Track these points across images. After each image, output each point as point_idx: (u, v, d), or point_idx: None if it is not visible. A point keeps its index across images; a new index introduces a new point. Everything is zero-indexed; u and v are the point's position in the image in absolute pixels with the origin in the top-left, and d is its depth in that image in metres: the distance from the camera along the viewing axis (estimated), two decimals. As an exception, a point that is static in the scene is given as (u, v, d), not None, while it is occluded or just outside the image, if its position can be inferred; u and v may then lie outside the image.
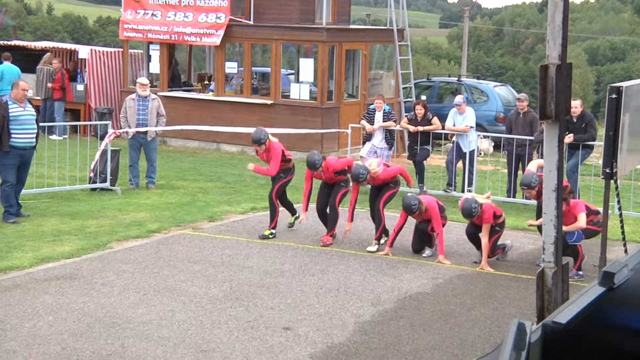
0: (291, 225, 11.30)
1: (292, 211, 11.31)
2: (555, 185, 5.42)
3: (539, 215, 10.11)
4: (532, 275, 8.67)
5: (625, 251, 8.80)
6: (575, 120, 12.84)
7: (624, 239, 8.76)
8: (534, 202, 11.02)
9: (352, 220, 10.58)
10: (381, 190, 10.60)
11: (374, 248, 10.47)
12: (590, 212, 9.59)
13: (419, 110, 14.34)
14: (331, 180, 10.75)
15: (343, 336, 7.41)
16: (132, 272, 9.22)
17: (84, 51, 20.94)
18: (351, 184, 10.73)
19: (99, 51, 21.17)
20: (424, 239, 10.34)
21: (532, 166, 10.43)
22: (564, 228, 9.32)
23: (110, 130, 13.98)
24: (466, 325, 7.84)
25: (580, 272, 9.52)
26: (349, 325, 7.69)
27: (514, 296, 8.82)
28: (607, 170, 8.43)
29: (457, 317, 8.07)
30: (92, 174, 13.52)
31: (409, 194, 10.22)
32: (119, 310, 7.90)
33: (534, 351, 2.87)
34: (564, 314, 3.06)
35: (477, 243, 10.06)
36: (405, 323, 7.82)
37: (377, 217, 10.56)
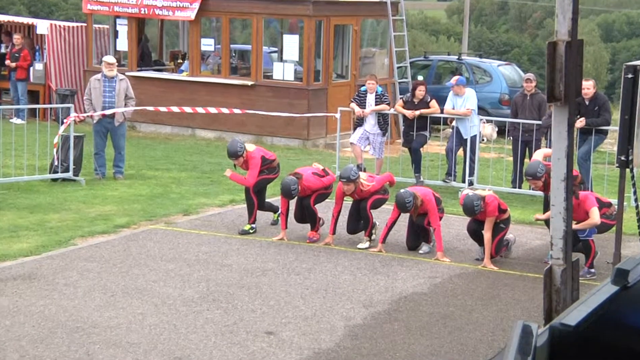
0: (274, 222, 11.34)
1: (274, 209, 11.36)
2: (565, 174, 5.45)
3: (546, 208, 10.17)
4: (539, 273, 8.72)
5: (642, 247, 8.87)
6: (587, 102, 12.89)
7: (640, 233, 8.83)
8: (541, 193, 11.08)
9: (334, 232, 10.60)
10: (367, 198, 10.61)
11: (365, 245, 10.50)
12: (602, 205, 9.65)
13: (420, 92, 14.30)
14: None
15: (332, 341, 7.44)
16: (98, 271, 9.22)
17: (42, 26, 20.81)
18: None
19: (59, 26, 21.05)
20: (420, 234, 10.38)
21: (539, 155, 10.47)
22: (576, 226, 9.37)
23: (73, 114, 13.94)
24: (467, 328, 7.89)
25: (592, 270, 9.59)
26: (338, 329, 7.73)
27: (519, 296, 8.88)
28: (622, 158, 8.48)
29: (457, 319, 8.12)
30: (56, 162, 13.50)
31: (402, 190, 10.20)
32: (84, 314, 7.90)
33: (540, 355, 2.90)
34: (573, 315, 3.09)
35: (479, 240, 10.11)
36: (400, 326, 7.86)
37: (363, 216, 10.58)
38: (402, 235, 10.71)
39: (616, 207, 9.46)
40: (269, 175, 11.19)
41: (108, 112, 13.91)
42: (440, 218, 10.28)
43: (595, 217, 9.43)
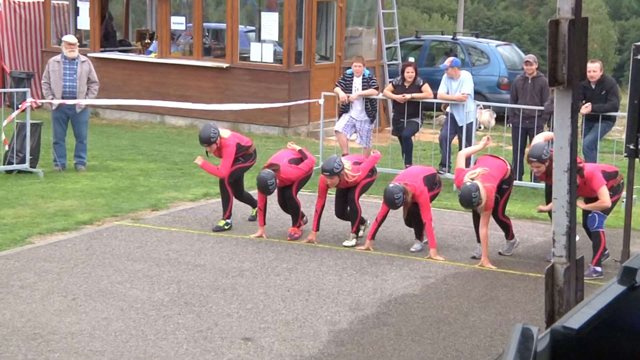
0: (252, 218, 11.35)
1: (252, 204, 11.37)
2: (568, 165, 5.47)
3: (548, 199, 10.20)
4: (540, 272, 8.77)
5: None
6: (593, 86, 12.96)
7: (650, 228, 8.90)
8: (543, 185, 11.12)
9: (317, 229, 10.62)
10: (354, 187, 10.63)
11: (351, 242, 10.52)
12: (608, 177, 9.63)
13: (409, 74, 14.35)
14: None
15: (315, 347, 7.47)
16: (57, 272, 9.20)
17: (-5, 2, 20.71)
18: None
19: (14, 2, 20.94)
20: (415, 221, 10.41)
21: (540, 139, 10.47)
22: (585, 206, 9.41)
23: (29, 99, 13.88)
24: (462, 333, 7.93)
25: (599, 269, 9.62)
26: (322, 335, 7.75)
27: (519, 298, 8.94)
28: (631, 147, 8.55)
29: (452, 323, 8.16)
30: (7, 147, 13.45)
31: (390, 185, 10.18)
32: (42, 319, 7.88)
33: (540, 361, 2.92)
34: (576, 318, 3.12)
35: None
36: (390, 331, 7.90)
37: (351, 208, 10.59)
38: (392, 232, 10.73)
39: (623, 176, 9.49)
40: (245, 163, 11.20)
41: (69, 102, 13.86)
42: (435, 196, 10.33)
43: (605, 198, 9.40)
